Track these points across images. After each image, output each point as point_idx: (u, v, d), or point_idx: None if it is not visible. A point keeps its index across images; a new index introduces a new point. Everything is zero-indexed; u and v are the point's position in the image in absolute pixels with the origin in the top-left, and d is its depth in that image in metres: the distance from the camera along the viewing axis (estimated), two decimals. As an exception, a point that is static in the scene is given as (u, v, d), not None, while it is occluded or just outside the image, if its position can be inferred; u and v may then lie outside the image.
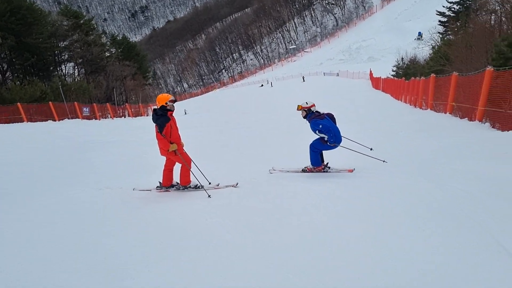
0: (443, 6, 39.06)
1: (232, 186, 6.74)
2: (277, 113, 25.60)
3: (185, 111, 42.30)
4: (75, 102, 30.23)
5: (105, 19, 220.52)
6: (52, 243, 4.55)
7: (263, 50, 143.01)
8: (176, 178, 6.97)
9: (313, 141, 7.20)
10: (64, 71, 43.62)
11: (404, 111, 19.36)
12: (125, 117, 39.96)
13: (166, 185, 6.95)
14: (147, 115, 41.78)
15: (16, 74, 35.52)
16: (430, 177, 6.17)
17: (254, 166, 8.52)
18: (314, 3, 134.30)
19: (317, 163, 7.25)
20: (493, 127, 10.40)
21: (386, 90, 36.26)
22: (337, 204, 5.28)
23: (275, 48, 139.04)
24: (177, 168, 6.90)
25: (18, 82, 32.05)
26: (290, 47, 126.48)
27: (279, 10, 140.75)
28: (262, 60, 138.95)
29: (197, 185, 6.84)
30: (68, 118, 27.24)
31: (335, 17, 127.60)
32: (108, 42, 53.63)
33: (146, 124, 21.48)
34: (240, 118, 24.25)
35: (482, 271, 3.15)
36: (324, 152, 7.36)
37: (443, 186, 5.60)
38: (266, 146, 11.89)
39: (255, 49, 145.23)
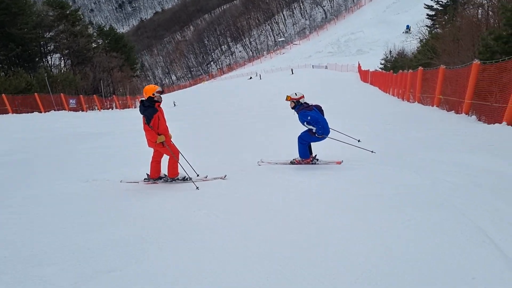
0: (431, 0, 39.23)
1: (221, 178, 6.72)
2: (266, 105, 25.58)
3: (174, 103, 42.09)
4: (62, 94, 29.92)
5: (91, 10, 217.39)
6: (37, 236, 4.49)
7: (252, 42, 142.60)
8: (164, 170, 6.92)
9: (301, 133, 7.21)
10: (50, 62, 43.06)
11: (392, 104, 19.50)
12: (112, 109, 39.65)
13: (154, 177, 6.90)
14: (134, 107, 41.44)
15: (0, 65, 34.92)
16: (417, 169, 6.22)
17: (243, 158, 8.51)
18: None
19: (306, 155, 7.26)
20: (479, 120, 10.53)
21: (374, 83, 36.47)
22: (326, 196, 5.30)
23: (264, 41, 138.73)
24: (165, 160, 6.85)
25: (3, 73, 31.60)
26: (279, 40, 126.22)
27: (268, 2, 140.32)
28: (250, 53, 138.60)
29: (185, 177, 6.81)
30: (55, 110, 26.97)
31: (324, 10, 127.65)
32: (94, 33, 53.03)
33: (133, 116, 21.33)
34: (228, 111, 24.19)
35: (466, 259, 3.19)
36: (312, 144, 7.37)
37: (429, 177, 5.66)
38: (254, 138, 11.87)
39: (243, 41, 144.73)
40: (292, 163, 7.49)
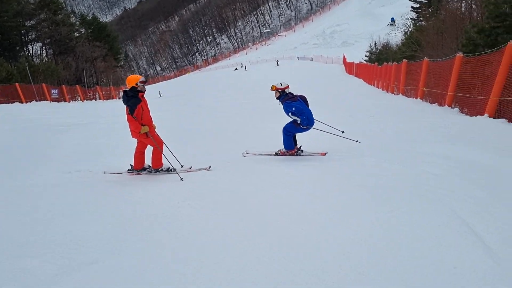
0: (416, -8, 39.47)
1: (205, 169, 6.69)
2: (251, 96, 25.51)
3: (159, 93, 41.72)
4: (43, 84, 29.34)
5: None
6: (18, 228, 4.43)
7: (237, 33, 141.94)
8: (148, 161, 6.86)
9: (286, 125, 7.20)
10: (31, 51, 42.16)
11: (376, 96, 19.61)
12: (95, 99, 39.10)
13: (138, 168, 6.83)
14: (118, 98, 40.90)
15: (-20, 54, 34.11)
16: (400, 160, 6.28)
17: (227, 149, 8.47)
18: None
19: (290, 147, 7.27)
20: (461, 112, 10.66)
21: (359, 75, 36.65)
22: (310, 187, 5.31)
23: (249, 32, 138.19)
24: (148, 150, 6.79)
25: (-17, 62, 30.82)
26: (265, 31, 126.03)
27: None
28: (236, 44, 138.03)
29: (169, 168, 6.76)
30: (36, 100, 26.48)
31: (309, 1, 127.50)
32: (77, 22, 51.91)
33: (117, 107, 21.07)
34: (213, 102, 24.05)
35: (448, 248, 3.24)
36: (297, 135, 7.37)
37: (413, 168, 5.72)
38: (239, 129, 11.84)
39: (229, 32, 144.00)
40: (277, 154, 7.49)
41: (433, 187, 4.73)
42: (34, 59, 39.84)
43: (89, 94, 39.55)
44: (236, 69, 69.94)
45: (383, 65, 23.44)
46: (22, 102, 24.53)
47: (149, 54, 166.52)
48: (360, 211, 4.22)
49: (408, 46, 24.90)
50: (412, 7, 40.51)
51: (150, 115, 6.62)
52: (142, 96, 6.43)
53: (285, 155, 7.36)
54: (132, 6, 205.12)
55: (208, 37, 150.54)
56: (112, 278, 3.23)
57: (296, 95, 7.17)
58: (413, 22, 35.03)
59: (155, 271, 3.29)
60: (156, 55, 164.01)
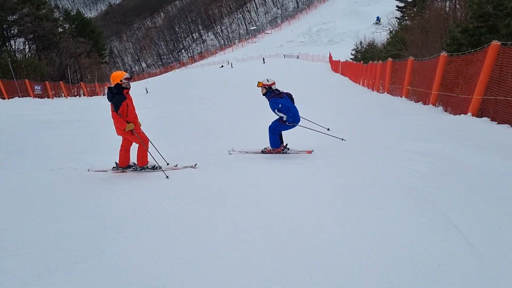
0: (401, -8, 39.78)
1: (191, 167, 6.65)
2: (237, 94, 25.50)
3: (146, 89, 41.39)
4: (26, 80, 28.87)
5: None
6: (-1, 226, 4.34)
7: (224, 30, 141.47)
8: (133, 158, 6.79)
9: (272, 123, 7.20)
10: (13, 46, 41.33)
11: (362, 94, 19.76)
12: (80, 96, 38.66)
13: (123, 165, 6.76)
14: (103, 94, 40.47)
15: (-40, 49, 33.40)
16: (384, 158, 6.34)
17: (213, 147, 8.44)
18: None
19: (276, 145, 7.27)
20: (445, 110, 10.79)
21: (345, 73, 36.84)
22: (296, 185, 5.33)
23: (235, 29, 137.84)
24: (134, 148, 6.72)
25: (-37, 58, 30.20)
26: (251, 28, 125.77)
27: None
28: (222, 41, 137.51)
29: (154, 165, 6.70)
30: (19, 97, 26.04)
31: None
32: (61, 17, 51.08)
33: (102, 103, 20.84)
34: (199, 99, 23.96)
35: (433, 246, 3.28)
36: (283, 133, 7.38)
37: (397, 166, 5.77)
38: (225, 126, 11.81)
39: (215, 29, 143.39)
40: (263, 152, 7.49)
41: (417, 185, 4.78)
42: (16, 55, 39.08)
43: (73, 91, 39.02)
44: (222, 66, 69.67)
45: (369, 63, 23.59)
46: (4, 98, 24.10)
47: (135, 50, 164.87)
48: (345, 209, 4.25)
49: (393, 45, 25.12)
50: (397, 6, 40.82)
51: (136, 112, 6.55)
52: (127, 93, 6.36)
53: (271, 153, 7.36)
54: (117, 2, 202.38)
55: (194, 34, 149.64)
56: (96, 278, 3.20)
57: (282, 92, 7.18)
58: (398, 21, 35.36)
59: (141, 270, 3.26)
60: (141, 51, 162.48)
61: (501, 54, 8.24)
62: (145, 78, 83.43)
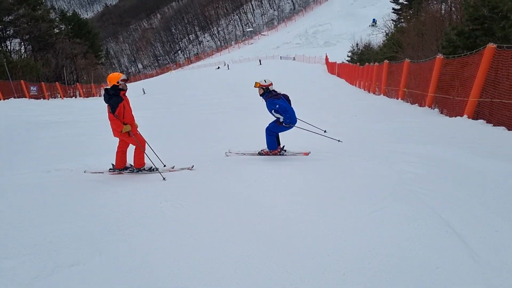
0: (397, -6, 39.97)
1: (188, 169, 6.64)
2: (234, 95, 25.50)
3: (143, 90, 41.31)
4: (22, 81, 28.78)
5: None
6: (-5, 228, 4.31)
7: (220, 32, 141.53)
8: (130, 160, 6.76)
9: (268, 125, 7.21)
10: (9, 47, 41.19)
11: (358, 96, 19.79)
12: (76, 97, 38.54)
13: (119, 167, 6.74)
14: (99, 96, 40.37)
15: (-44, 50, 33.22)
16: (381, 159, 6.36)
17: (210, 149, 8.45)
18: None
19: (273, 147, 7.27)
20: (441, 112, 10.83)
21: (341, 75, 36.94)
22: (293, 187, 5.33)
23: (232, 30, 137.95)
24: (130, 150, 6.70)
25: (-41, 58, 30.04)
26: (247, 30, 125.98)
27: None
28: (219, 42, 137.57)
29: (151, 167, 6.69)
30: (14, 97, 25.93)
31: (292, 1, 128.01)
32: (57, 18, 51.00)
33: (98, 105, 20.79)
34: (196, 100, 23.95)
35: (430, 248, 3.28)
36: (280, 134, 7.39)
37: (394, 168, 5.78)
38: (222, 128, 11.81)
39: (211, 30, 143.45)
40: (260, 154, 7.49)
41: (414, 187, 4.79)
42: (12, 55, 38.97)
43: (69, 92, 38.90)
44: (218, 67, 69.68)
45: (365, 65, 23.67)
46: (-1, 99, 24.03)
47: (131, 51, 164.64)
48: (343, 211, 4.25)
49: (389, 47, 25.18)
50: (393, 8, 40.97)
51: (132, 113, 6.54)
52: (124, 94, 6.34)
53: (268, 154, 7.37)
54: (114, 3, 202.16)
55: (190, 35, 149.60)
56: (94, 281, 3.18)
57: (279, 93, 7.19)
58: (394, 23, 35.45)
59: (138, 273, 3.24)
60: (138, 52, 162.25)
61: (496, 57, 8.28)
62: (141, 79, 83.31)
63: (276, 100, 6.95)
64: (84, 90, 41.37)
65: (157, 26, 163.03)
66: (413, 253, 3.25)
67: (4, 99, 24.27)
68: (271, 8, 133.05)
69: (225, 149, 7.94)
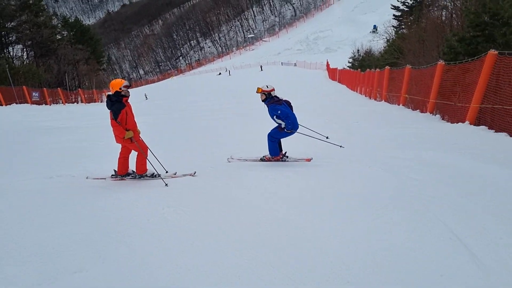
0: (398, 1, 40.04)
1: (190, 175, 6.64)
2: (235, 101, 25.53)
3: (145, 95, 41.40)
4: (24, 86, 28.84)
5: (56, 0, 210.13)
6: (-2, 235, 4.31)
7: (221, 38, 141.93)
8: (132, 166, 6.77)
9: (270, 131, 7.21)
10: (11, 53, 41.34)
11: (359, 102, 19.82)
12: (77, 102, 38.62)
13: (122, 173, 6.74)
14: (101, 101, 40.47)
15: (-42, 56, 33.35)
16: (384, 166, 6.35)
17: (212, 155, 8.45)
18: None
19: (275, 153, 7.28)
20: (443, 119, 10.84)
21: (342, 81, 37.00)
22: (295, 193, 5.32)
23: (233, 37, 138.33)
24: (133, 156, 6.71)
25: (-39, 64, 30.16)
26: (249, 36, 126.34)
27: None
28: (220, 48, 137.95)
29: (153, 173, 6.68)
30: (16, 103, 25.98)
31: (293, 7, 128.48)
32: (59, 25, 51.24)
33: (100, 110, 20.83)
34: (197, 106, 23.98)
35: (434, 256, 3.27)
36: (282, 140, 7.39)
37: (396, 174, 5.79)
38: (224, 134, 11.82)
39: (213, 36, 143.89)
40: (262, 160, 7.49)
41: (417, 193, 4.79)
42: (14, 61, 39.09)
43: (71, 97, 38.99)
44: (220, 73, 69.83)
45: (366, 71, 23.71)
46: (1, 105, 24.07)
47: (133, 57, 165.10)
48: (346, 217, 4.24)
49: (390, 53, 25.25)
50: (394, 15, 41.10)
51: (135, 120, 6.55)
52: (126, 100, 6.36)
53: (270, 160, 7.37)
54: (116, 9, 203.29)
55: (192, 41, 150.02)
56: (97, 287, 3.17)
57: (281, 99, 7.21)
58: (395, 29, 35.56)
59: (141, 279, 3.24)
60: (139, 58, 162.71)
61: (498, 63, 8.30)
62: (142, 85, 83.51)
63: (278, 106, 6.96)
64: (85, 96, 41.45)
65: (158, 32, 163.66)
66: (417, 260, 3.24)
67: (6, 105, 24.32)
68: (272, 14, 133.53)
69: (227, 155, 7.94)
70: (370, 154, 7.47)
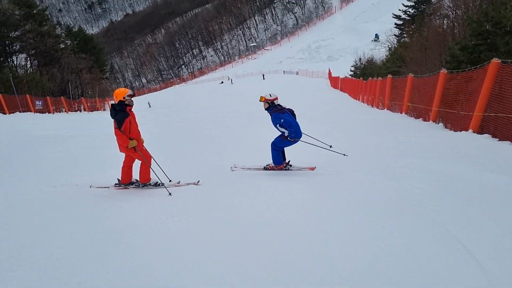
0: (399, 10, 40.30)
1: (193, 184, 6.64)
2: (238, 109, 25.54)
3: (149, 103, 41.48)
4: (27, 95, 28.95)
5: (60, 10, 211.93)
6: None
7: (224, 46, 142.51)
8: (136, 175, 6.78)
9: (274, 140, 7.22)
10: (15, 62, 41.58)
11: (362, 111, 19.79)
12: (80, 111, 38.71)
13: (125, 182, 6.74)
14: (103, 110, 40.58)
15: (-38, 65, 33.56)
16: (387, 175, 6.34)
17: (216, 163, 8.45)
18: (275, 1, 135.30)
19: (279, 162, 7.27)
20: (445, 127, 10.81)
21: (344, 89, 37.02)
22: (299, 202, 5.31)
23: (235, 45, 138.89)
24: (136, 164, 6.71)
25: (-35, 73, 30.33)
26: (251, 45, 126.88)
27: (240, 7, 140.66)
28: (222, 57, 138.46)
29: (157, 182, 6.69)
30: (20, 111, 26.07)
31: (295, 16, 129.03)
32: (63, 34, 51.62)
33: (102, 119, 20.87)
34: (200, 115, 24.01)
35: (441, 266, 3.25)
36: (285, 149, 7.39)
37: (399, 183, 5.78)
38: (227, 143, 11.82)
39: (215, 45, 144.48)
40: (265, 168, 7.48)
41: (421, 202, 4.77)
42: (18, 70, 39.31)
43: (74, 106, 39.12)
44: (222, 82, 70.00)
45: (368, 80, 23.71)
46: (5, 113, 24.15)
47: (135, 66, 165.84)
48: (350, 227, 4.22)
49: (392, 61, 25.27)
50: (395, 23, 41.30)
51: (138, 128, 6.57)
52: (130, 110, 6.38)
53: (274, 169, 7.36)
54: (119, 19, 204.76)
55: (194, 50, 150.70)
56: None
57: (284, 108, 7.21)
58: (396, 38, 35.66)
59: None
60: (142, 67, 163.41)
61: (501, 72, 8.30)
62: (145, 94, 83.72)
63: (281, 115, 6.97)
64: (88, 104, 41.57)
65: (161, 41, 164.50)
66: (424, 270, 3.21)
67: (9, 113, 24.41)
68: (274, 23, 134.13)
69: (230, 164, 7.94)
70: (373, 162, 7.45)
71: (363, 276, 3.17)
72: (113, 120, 6.23)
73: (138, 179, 6.74)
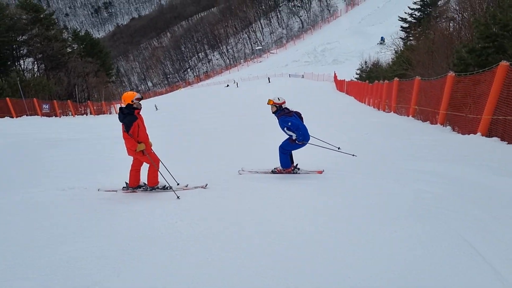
0: (405, 12, 40.17)
1: (201, 187, 6.63)
2: (244, 113, 25.59)
3: (156, 106, 41.64)
4: (34, 99, 29.18)
5: (66, 14, 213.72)
6: (10, 248, 4.30)
7: (229, 50, 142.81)
8: (144, 178, 6.78)
9: (282, 143, 7.21)
10: (22, 66, 41.89)
11: (368, 114, 19.77)
12: (87, 114, 38.93)
13: (133, 185, 6.75)
14: (110, 113, 40.80)
15: (-29, 69, 33.89)
16: (396, 178, 6.30)
17: (223, 167, 8.45)
18: (280, 4, 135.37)
19: (287, 165, 7.26)
20: (453, 130, 10.76)
21: (350, 92, 36.98)
22: (307, 206, 5.28)
23: (241, 49, 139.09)
24: (144, 168, 6.72)
25: (-27, 77, 30.61)
26: (256, 48, 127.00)
27: (245, 10, 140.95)
28: (228, 60, 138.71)
29: (165, 186, 6.69)
30: (27, 115, 26.30)
31: (300, 19, 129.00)
32: (69, 38, 51.94)
33: (109, 122, 20.97)
34: (206, 118, 24.06)
35: (454, 271, 3.21)
36: (293, 152, 7.37)
37: (410, 187, 5.73)
38: (234, 146, 11.83)
39: (221, 49, 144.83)
40: (273, 172, 7.47)
41: (432, 206, 4.73)
42: (25, 74, 39.59)
43: (80, 109, 39.34)
44: (228, 85, 70.08)
45: (374, 83, 23.67)
46: (12, 117, 24.35)
47: (141, 69, 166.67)
48: (360, 232, 4.18)
49: (399, 64, 25.19)
50: (401, 26, 41.16)
51: (147, 132, 6.58)
52: (138, 113, 6.39)
53: (282, 173, 7.35)
54: (125, 23, 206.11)
55: (200, 54, 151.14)
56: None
57: (291, 111, 7.21)
58: (403, 41, 35.56)
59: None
60: (147, 70, 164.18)
61: (509, 74, 8.25)
62: (151, 97, 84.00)
63: (288, 118, 6.96)
64: (95, 107, 41.79)
65: (167, 45, 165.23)
66: (437, 276, 3.17)
67: (17, 117, 24.60)
68: (279, 27, 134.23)
69: (238, 167, 7.93)
70: (382, 166, 7.42)
71: (375, 282, 3.14)
72: (121, 123, 6.24)
73: (146, 183, 6.75)
